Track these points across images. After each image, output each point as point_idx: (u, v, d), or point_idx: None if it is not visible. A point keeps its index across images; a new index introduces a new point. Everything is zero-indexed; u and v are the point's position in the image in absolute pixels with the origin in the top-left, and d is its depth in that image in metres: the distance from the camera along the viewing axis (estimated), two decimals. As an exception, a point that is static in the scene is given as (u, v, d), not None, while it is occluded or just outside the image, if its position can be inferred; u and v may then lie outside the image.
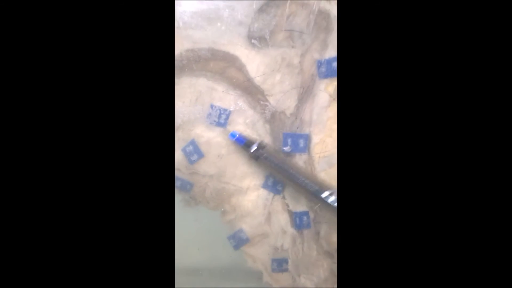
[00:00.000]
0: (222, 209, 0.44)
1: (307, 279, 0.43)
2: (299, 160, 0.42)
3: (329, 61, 0.40)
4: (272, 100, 0.41)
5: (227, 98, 0.41)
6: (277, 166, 0.40)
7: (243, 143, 0.40)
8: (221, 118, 0.41)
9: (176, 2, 0.38)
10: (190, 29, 0.38)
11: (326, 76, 0.40)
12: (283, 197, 0.43)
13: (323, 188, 0.39)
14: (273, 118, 0.41)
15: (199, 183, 0.43)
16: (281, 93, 0.41)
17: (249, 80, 0.40)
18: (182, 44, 0.39)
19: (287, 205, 0.43)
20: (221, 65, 0.40)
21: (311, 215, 0.42)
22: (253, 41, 0.39)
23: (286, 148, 0.41)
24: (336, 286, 0.41)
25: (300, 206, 0.43)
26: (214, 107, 0.41)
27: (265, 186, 0.43)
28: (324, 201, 0.39)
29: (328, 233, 0.42)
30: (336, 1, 0.38)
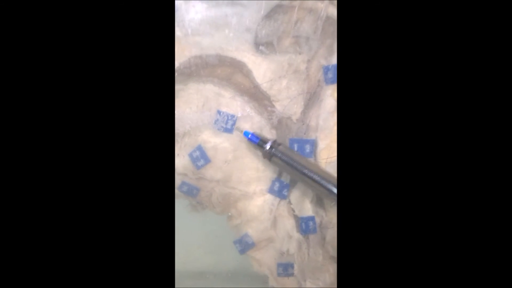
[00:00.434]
0: (229, 213, 0.44)
1: (313, 284, 0.43)
2: (305, 165, 0.42)
3: (335, 67, 0.40)
4: (278, 106, 0.41)
5: (234, 104, 0.41)
6: (290, 164, 0.39)
7: (257, 141, 0.40)
8: (228, 124, 0.41)
9: (184, 9, 0.38)
10: (198, 36, 0.39)
11: (332, 82, 0.41)
12: (289, 202, 0.43)
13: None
14: (279, 124, 0.41)
15: (205, 188, 0.43)
16: (287, 99, 0.41)
17: (255, 86, 0.40)
18: (190, 51, 0.39)
19: (293, 210, 0.43)
20: (228, 71, 0.40)
21: (317, 220, 0.42)
22: (260, 47, 0.40)
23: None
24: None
25: (306, 211, 0.43)
26: (221, 113, 0.41)
27: (271, 191, 0.43)
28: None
29: (334, 238, 0.42)
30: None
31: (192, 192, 0.43)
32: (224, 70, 0.40)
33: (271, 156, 0.39)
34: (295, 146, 0.42)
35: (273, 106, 0.41)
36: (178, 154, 0.42)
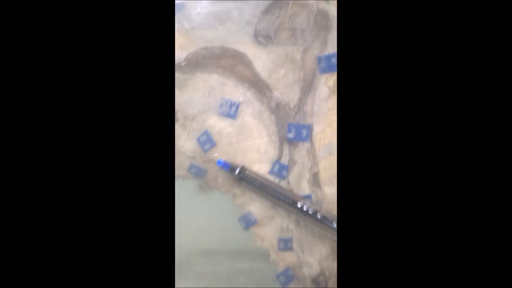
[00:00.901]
0: (234, 192, 0.48)
1: (310, 256, 0.46)
2: (302, 148, 0.46)
3: (328, 57, 0.44)
4: (277, 93, 0.45)
5: (236, 91, 0.45)
6: (260, 185, 0.45)
7: (228, 168, 0.45)
8: (231, 110, 0.46)
9: (191, 4, 0.43)
10: (203, 29, 0.44)
11: (326, 71, 0.45)
12: (288, 182, 0.47)
13: (300, 200, 0.44)
14: (278, 109, 0.46)
15: (212, 170, 0.47)
16: (285, 86, 0.45)
17: (256, 75, 0.45)
18: (197, 43, 0.44)
19: (292, 190, 0.47)
20: (231, 61, 0.45)
21: (313, 197, 0.46)
22: (259, 39, 0.44)
23: (290, 135, 0.46)
24: (336, 262, 0.44)
25: (303, 190, 0.47)
26: (225, 100, 0.45)
27: (271, 172, 0.47)
28: (301, 211, 0.44)
29: (328, 213, 0.46)
30: (335, 2, 0.43)
31: (200, 173, 0.47)
32: (227, 61, 0.45)
33: (240, 180, 0.45)
34: (293, 130, 0.46)
35: (271, 93, 0.45)
36: (186, 139, 0.47)
